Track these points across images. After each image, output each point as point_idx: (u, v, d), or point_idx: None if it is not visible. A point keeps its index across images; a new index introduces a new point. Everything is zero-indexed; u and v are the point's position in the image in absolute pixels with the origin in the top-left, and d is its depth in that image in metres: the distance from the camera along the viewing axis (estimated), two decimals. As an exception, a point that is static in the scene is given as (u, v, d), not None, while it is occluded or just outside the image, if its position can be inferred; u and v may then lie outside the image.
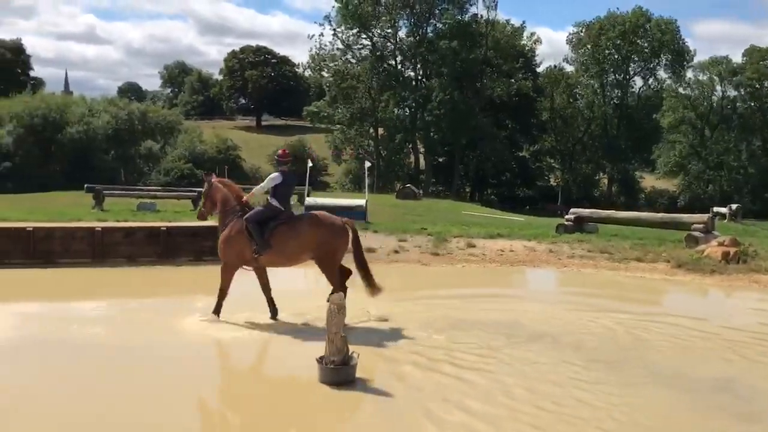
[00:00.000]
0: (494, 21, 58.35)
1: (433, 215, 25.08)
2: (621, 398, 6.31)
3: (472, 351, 7.73)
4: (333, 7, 55.77)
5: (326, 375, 6.51)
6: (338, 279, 8.71)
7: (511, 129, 60.67)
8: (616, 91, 62.52)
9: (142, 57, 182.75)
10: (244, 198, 8.99)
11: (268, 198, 8.92)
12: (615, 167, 60.41)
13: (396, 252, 14.72)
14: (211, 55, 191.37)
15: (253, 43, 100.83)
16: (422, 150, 58.88)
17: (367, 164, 24.55)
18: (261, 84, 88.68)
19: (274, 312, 8.94)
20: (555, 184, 64.46)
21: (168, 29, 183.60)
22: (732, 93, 63.12)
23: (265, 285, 9.00)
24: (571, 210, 19.64)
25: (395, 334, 8.36)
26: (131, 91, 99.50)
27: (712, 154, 61.64)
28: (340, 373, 6.51)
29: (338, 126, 58.03)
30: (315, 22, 76.57)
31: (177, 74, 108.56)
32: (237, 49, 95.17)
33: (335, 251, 8.77)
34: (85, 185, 25.83)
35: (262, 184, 9.19)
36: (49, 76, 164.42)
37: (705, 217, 16.85)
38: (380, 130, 57.15)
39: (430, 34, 56.03)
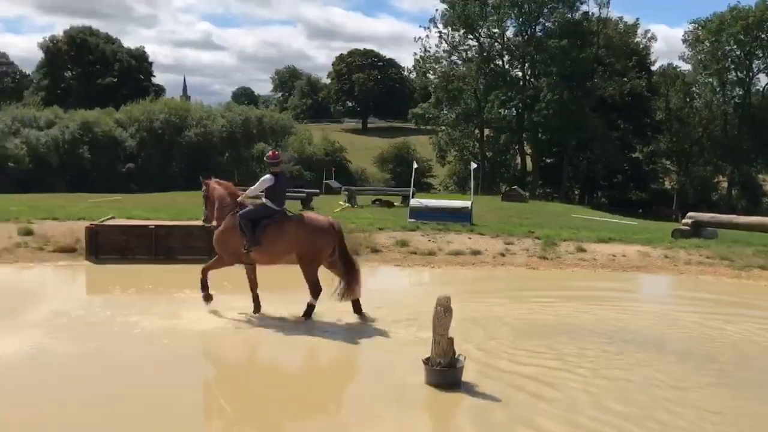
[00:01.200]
0: (606, 19, 57.32)
1: (541, 218, 24.45)
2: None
3: (587, 357, 7.51)
4: (437, 10, 56.14)
5: (432, 377, 6.48)
6: (317, 280, 8.91)
7: (624, 129, 59.06)
8: (737, 89, 58.36)
9: (254, 62, 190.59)
10: (239, 198, 9.30)
11: (263, 199, 9.21)
12: (736, 170, 56.88)
13: (502, 255, 14.34)
14: (319, 59, 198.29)
15: (361, 46, 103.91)
16: (529, 151, 57.83)
17: (473, 166, 24.13)
18: (368, 87, 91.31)
19: (257, 308, 9.18)
20: (670, 187, 62.18)
21: (279, 35, 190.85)
22: None
23: (252, 281, 9.29)
24: (689, 214, 18.68)
25: (501, 339, 8.21)
26: (244, 96, 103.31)
27: None
28: (446, 375, 6.44)
29: (443, 127, 58.05)
30: (420, 26, 78.25)
31: (287, 78, 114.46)
32: (345, 53, 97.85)
33: (317, 251, 8.96)
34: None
35: (254, 186, 9.35)
36: (167, 82, 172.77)
37: None
38: (486, 131, 56.86)
39: (539, 34, 55.43)
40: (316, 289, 8.87)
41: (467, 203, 19.91)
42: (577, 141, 54.38)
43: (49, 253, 12.94)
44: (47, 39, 74.28)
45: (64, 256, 12.84)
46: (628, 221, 28.64)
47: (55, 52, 73.14)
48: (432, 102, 58.89)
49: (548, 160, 59.35)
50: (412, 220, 18.03)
